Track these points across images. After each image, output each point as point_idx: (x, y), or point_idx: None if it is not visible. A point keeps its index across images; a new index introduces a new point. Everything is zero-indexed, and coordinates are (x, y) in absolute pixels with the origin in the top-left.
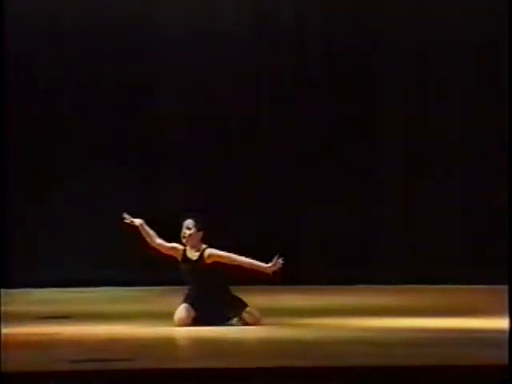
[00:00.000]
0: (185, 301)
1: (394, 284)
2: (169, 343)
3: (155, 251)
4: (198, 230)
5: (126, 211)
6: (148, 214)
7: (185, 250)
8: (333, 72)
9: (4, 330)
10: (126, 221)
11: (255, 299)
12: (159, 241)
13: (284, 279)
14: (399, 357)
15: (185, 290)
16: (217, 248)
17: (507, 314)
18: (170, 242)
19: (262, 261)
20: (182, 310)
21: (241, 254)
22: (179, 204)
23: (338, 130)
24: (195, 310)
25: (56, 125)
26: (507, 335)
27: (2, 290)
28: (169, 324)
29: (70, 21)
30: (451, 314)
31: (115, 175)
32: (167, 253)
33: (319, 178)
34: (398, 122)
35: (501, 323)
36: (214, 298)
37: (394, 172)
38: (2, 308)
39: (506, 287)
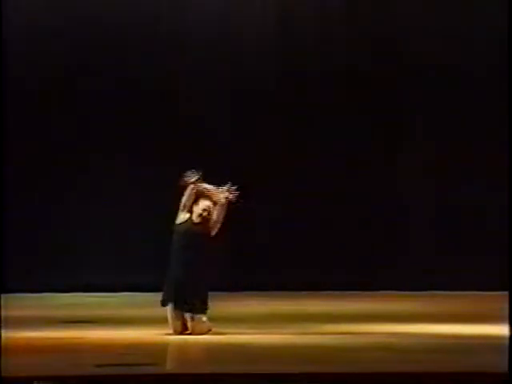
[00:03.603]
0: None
1: (415, 290)
2: (191, 348)
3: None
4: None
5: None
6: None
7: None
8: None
9: (28, 334)
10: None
11: (277, 305)
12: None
13: (305, 285)
14: (419, 363)
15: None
16: None
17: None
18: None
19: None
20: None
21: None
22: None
23: (361, 132)
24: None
25: (69, 122)
26: None
27: (25, 294)
28: None
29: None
30: (472, 321)
31: (141, 178)
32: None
33: (334, 179)
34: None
35: None
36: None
37: (418, 177)
38: (26, 312)
39: None
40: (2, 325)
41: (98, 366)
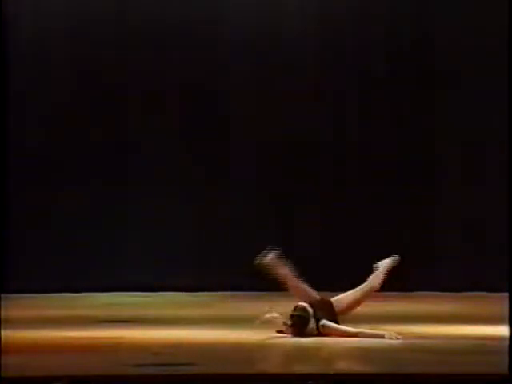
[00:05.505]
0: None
1: (457, 291)
2: (232, 348)
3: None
4: None
5: None
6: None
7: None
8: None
9: (69, 334)
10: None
11: None
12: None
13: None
14: (459, 365)
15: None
16: None
17: None
18: None
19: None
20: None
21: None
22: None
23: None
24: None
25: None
26: None
27: (65, 294)
28: (231, 329)
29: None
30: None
31: (181, 177)
32: None
33: (384, 180)
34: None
35: None
36: None
37: (454, 177)
38: (67, 312)
39: None
40: (44, 324)
41: (137, 365)
